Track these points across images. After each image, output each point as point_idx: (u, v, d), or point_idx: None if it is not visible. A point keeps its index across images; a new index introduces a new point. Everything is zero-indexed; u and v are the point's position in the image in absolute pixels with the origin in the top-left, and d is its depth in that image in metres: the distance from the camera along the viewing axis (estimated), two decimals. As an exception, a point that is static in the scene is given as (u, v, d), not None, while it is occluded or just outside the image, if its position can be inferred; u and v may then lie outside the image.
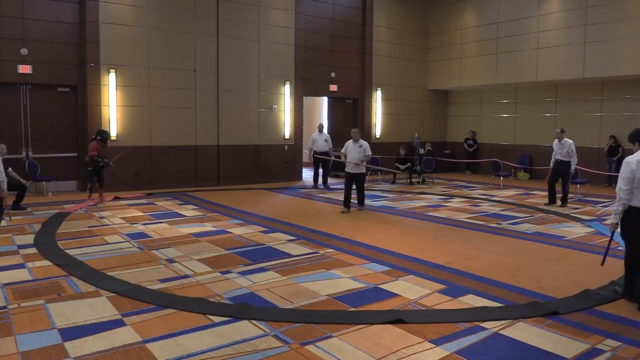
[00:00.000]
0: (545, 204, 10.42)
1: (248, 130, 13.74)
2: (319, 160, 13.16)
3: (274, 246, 6.73)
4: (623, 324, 4.18)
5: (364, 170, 9.87)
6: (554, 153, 10.36)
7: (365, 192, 10.06)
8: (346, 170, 9.73)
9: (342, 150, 9.95)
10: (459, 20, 16.84)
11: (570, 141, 10.21)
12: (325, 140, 13.10)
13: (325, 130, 13.78)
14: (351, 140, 9.71)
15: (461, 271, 5.65)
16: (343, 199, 9.68)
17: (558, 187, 10.46)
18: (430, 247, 6.78)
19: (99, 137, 10.12)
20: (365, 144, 9.67)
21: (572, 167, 10.17)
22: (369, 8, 16.03)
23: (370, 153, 9.85)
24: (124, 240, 6.98)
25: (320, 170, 13.25)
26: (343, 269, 5.69)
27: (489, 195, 11.98)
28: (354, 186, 9.66)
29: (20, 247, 6.53)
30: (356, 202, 9.84)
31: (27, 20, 10.94)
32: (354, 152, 9.60)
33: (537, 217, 9.18)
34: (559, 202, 10.38)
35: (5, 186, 6.85)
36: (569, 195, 10.66)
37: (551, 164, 10.46)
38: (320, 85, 15.42)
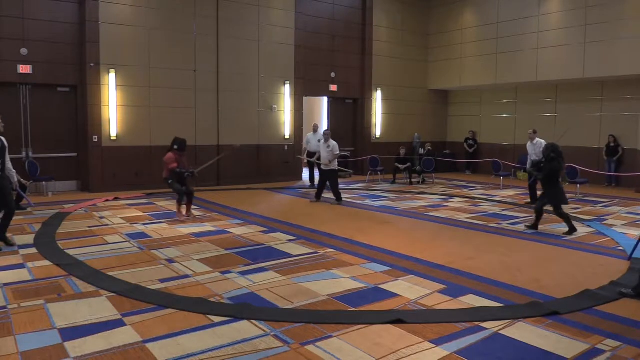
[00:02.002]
0: (527, 203, 10.64)
1: (248, 130, 13.74)
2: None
3: (274, 246, 6.73)
4: (623, 324, 4.18)
5: (335, 168, 10.57)
6: (528, 155, 10.66)
7: (366, 192, 10.41)
8: (321, 167, 10.66)
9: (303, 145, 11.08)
10: (459, 20, 16.84)
11: (542, 141, 10.33)
12: (319, 141, 13.06)
13: (320, 131, 13.73)
14: (322, 141, 10.64)
15: (461, 271, 5.65)
16: (317, 192, 10.74)
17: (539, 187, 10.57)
18: (430, 247, 6.78)
19: (176, 147, 8.57)
20: (333, 144, 10.42)
21: None
22: (369, 8, 16.03)
23: (338, 152, 10.54)
24: (124, 240, 6.98)
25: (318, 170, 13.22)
26: (343, 269, 5.69)
27: (489, 195, 11.98)
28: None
29: (20, 247, 6.53)
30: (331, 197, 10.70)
31: (27, 20, 10.93)
32: (324, 152, 10.46)
33: (537, 217, 9.17)
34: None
35: (15, 179, 6.69)
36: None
37: (527, 166, 10.60)
38: (320, 85, 15.42)
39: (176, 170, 8.45)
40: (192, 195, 8.82)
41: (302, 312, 4.39)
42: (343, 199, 10.72)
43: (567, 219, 7.68)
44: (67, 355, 3.52)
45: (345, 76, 15.84)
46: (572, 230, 7.61)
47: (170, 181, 8.54)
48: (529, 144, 10.71)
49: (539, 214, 7.87)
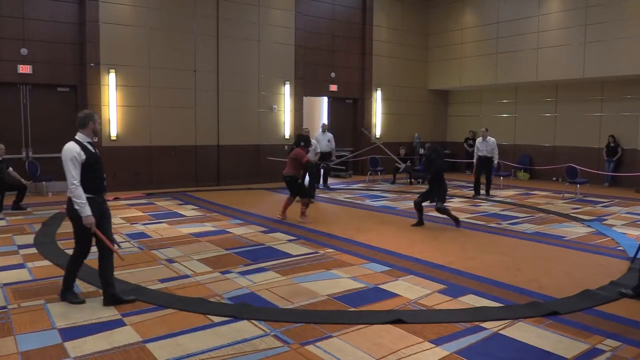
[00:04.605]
0: (473, 197, 11.53)
1: (248, 130, 13.74)
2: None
3: (274, 246, 6.73)
4: (623, 324, 4.18)
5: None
6: (477, 151, 11.66)
7: (366, 192, 10.38)
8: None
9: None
10: (459, 20, 16.84)
11: (493, 139, 11.58)
12: (329, 141, 13.11)
13: (319, 132, 13.75)
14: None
15: (461, 271, 5.65)
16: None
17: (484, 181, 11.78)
18: (430, 247, 6.78)
19: (302, 143, 8.64)
20: (314, 143, 10.97)
21: (495, 162, 11.47)
22: (369, 8, 16.04)
23: (319, 151, 11.40)
24: (124, 240, 6.97)
25: (321, 171, 13.22)
26: (343, 269, 5.68)
27: (489, 195, 11.96)
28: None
29: (20, 247, 6.53)
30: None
31: (27, 20, 10.94)
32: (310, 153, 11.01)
33: (537, 217, 9.18)
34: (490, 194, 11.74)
35: (87, 212, 4.30)
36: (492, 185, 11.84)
37: (475, 161, 11.74)
38: (320, 85, 15.42)
39: (310, 162, 8.56)
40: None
41: (302, 312, 4.39)
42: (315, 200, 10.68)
43: (448, 213, 8.07)
44: (67, 355, 3.51)
45: (345, 76, 15.84)
46: (458, 222, 8.05)
47: (300, 181, 8.56)
48: (479, 140, 11.66)
49: (420, 210, 8.22)
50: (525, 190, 13.03)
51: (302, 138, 8.80)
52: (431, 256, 6.28)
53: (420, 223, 8.23)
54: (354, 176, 15.70)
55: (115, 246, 4.76)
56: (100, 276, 4.48)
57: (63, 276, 4.60)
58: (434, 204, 8.09)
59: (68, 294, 4.54)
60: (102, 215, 4.51)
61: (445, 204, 8.14)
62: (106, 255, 4.48)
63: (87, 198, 4.29)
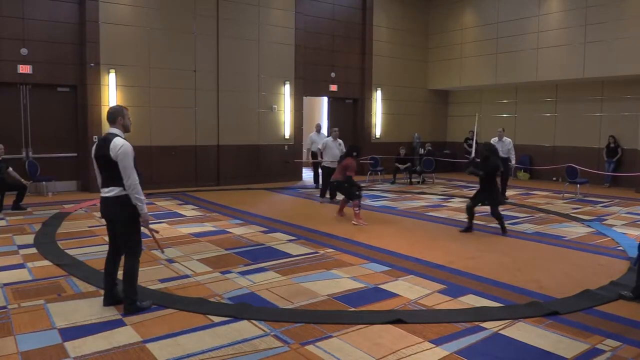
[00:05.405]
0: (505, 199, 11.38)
1: (248, 130, 13.74)
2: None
3: (274, 246, 6.73)
4: (623, 324, 4.18)
5: None
6: None
7: (366, 192, 10.48)
8: (324, 165, 11.02)
9: (319, 147, 11.42)
10: (459, 20, 16.84)
11: (509, 140, 11.46)
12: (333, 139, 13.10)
13: (324, 131, 13.74)
14: (330, 138, 11.10)
15: (461, 271, 5.65)
16: (322, 191, 10.98)
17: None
18: (430, 247, 6.77)
19: (355, 154, 8.83)
20: (342, 141, 11.12)
21: (512, 163, 11.27)
22: (369, 8, 16.04)
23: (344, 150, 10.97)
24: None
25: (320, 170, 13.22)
26: (343, 269, 5.69)
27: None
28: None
29: (20, 247, 6.53)
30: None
31: (27, 20, 10.94)
32: (334, 149, 10.95)
33: (537, 217, 9.18)
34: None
35: (146, 209, 4.43)
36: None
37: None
38: (320, 85, 15.42)
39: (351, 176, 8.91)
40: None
41: (302, 312, 4.39)
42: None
43: (501, 219, 7.72)
44: (67, 355, 3.51)
45: (345, 76, 15.85)
46: (504, 230, 7.68)
47: (346, 184, 8.82)
48: (495, 140, 11.35)
49: (472, 214, 7.81)
50: (525, 190, 13.03)
51: (354, 148, 8.95)
52: (431, 256, 6.28)
53: (469, 229, 7.78)
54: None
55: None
56: (110, 275, 4.40)
57: (124, 289, 4.27)
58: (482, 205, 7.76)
59: (137, 305, 4.29)
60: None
61: (498, 209, 7.65)
62: (125, 255, 4.35)
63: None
